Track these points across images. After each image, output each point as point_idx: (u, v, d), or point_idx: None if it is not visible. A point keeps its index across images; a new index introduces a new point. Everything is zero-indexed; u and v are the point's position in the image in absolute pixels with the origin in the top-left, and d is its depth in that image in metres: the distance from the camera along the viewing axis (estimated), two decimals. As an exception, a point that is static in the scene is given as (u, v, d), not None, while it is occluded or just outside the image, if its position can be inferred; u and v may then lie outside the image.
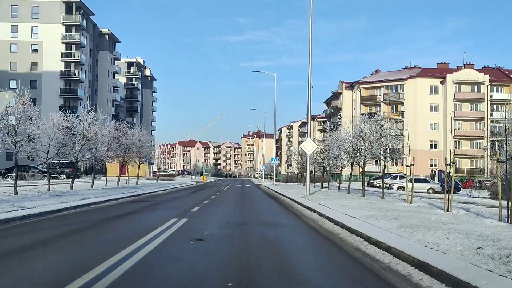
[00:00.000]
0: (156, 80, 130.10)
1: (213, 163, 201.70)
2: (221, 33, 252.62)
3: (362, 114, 66.95)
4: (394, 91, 68.76)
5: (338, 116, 77.20)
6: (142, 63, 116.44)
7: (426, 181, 37.41)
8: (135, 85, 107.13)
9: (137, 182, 38.30)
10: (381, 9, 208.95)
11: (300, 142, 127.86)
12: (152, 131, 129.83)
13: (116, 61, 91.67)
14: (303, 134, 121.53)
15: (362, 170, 24.02)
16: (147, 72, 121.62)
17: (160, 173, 73.68)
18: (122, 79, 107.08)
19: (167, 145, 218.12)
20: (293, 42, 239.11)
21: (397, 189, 35.58)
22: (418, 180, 36.67)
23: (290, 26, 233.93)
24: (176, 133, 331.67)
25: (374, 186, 40.57)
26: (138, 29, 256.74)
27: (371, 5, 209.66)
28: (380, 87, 70.02)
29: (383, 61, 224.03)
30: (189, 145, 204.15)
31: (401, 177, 41.40)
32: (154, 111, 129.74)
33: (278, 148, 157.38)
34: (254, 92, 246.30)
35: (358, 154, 22.94)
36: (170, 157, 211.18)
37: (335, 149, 26.56)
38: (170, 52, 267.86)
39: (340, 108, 79.56)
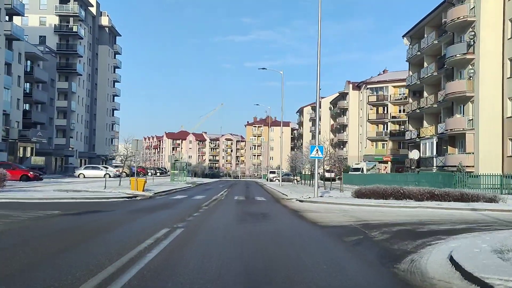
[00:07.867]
0: (120, 36, 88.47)
1: (209, 160, 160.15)
2: (226, 33, 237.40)
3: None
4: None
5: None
6: (94, 4, 75.14)
7: None
8: (74, 30, 65.88)
9: None
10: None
11: (334, 126, 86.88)
12: (114, 111, 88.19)
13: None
14: (340, 112, 79.83)
15: None
16: (104, 21, 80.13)
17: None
18: (51, 18, 66.11)
19: (153, 137, 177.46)
20: (299, 42, 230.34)
21: None
22: None
23: (295, 26, 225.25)
24: (171, 127, 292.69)
25: None
26: (139, 29, 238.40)
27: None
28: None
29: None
30: (180, 137, 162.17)
31: None
32: (117, 81, 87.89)
33: (296, 138, 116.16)
34: (258, 90, 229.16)
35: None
36: (157, 152, 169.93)
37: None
38: (170, 48, 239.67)
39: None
